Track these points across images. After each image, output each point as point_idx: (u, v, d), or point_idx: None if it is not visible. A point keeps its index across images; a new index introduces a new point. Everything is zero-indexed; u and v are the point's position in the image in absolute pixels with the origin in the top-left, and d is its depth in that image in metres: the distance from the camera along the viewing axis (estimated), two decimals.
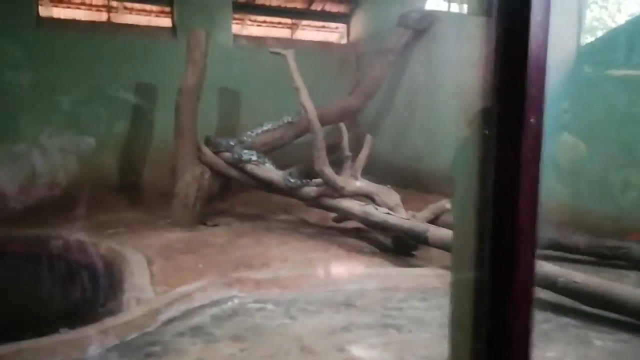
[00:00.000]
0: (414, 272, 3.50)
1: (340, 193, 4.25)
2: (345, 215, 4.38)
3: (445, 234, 3.49)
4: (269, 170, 4.82)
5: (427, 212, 4.09)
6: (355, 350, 2.50)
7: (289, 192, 4.61)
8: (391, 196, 4.26)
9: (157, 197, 5.57)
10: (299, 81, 4.43)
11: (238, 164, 4.91)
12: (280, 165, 5.04)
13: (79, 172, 5.46)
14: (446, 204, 4.25)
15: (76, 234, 4.49)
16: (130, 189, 5.85)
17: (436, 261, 3.77)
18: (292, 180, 4.55)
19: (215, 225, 4.86)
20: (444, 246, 3.50)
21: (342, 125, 4.61)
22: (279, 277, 3.43)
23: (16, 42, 5.26)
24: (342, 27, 7.73)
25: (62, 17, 5.86)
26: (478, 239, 1.05)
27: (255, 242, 4.35)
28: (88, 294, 3.56)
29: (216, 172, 5.05)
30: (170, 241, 4.37)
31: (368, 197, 4.33)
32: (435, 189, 5.47)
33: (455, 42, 5.45)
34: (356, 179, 4.37)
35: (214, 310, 3.04)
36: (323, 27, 7.71)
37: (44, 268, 4.15)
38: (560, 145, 4.54)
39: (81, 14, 6.00)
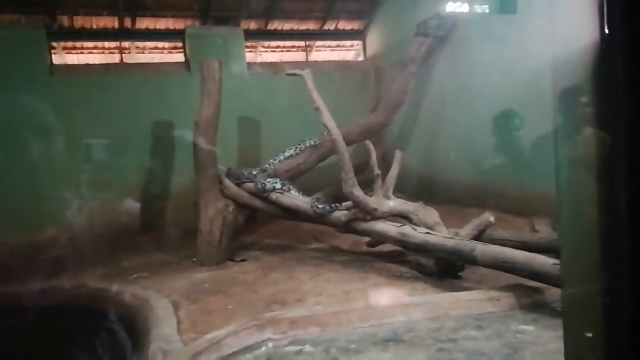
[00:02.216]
0: (464, 296, 3.14)
1: (372, 215, 3.94)
2: (380, 238, 4.05)
3: (496, 251, 3.13)
4: (294, 198, 4.56)
5: (471, 227, 3.73)
6: None
7: (318, 218, 4.32)
8: (429, 214, 3.92)
9: (181, 236, 5.36)
10: (319, 101, 4.19)
11: (262, 194, 4.67)
12: (306, 191, 4.78)
13: (99, 216, 5.34)
14: (490, 217, 3.89)
15: (99, 282, 4.30)
16: (153, 230, 5.66)
17: (487, 282, 3.40)
18: (320, 206, 4.27)
19: (243, 260, 4.60)
20: (495, 265, 3.14)
21: (369, 143, 4.33)
22: (316, 314, 3.11)
23: (31, 90, 5.22)
24: (357, 44, 7.53)
25: (75, 62, 5.82)
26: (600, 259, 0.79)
27: (287, 276, 4.06)
28: (113, 346, 3.32)
29: (240, 204, 4.82)
30: (196, 282, 4.12)
31: (403, 217, 4.01)
32: (472, 202, 5.11)
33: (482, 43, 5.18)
34: (389, 198, 4.06)
35: (247, 357, 2.73)
36: (338, 46, 7.53)
37: (68, 320, 3.96)
38: None
39: (94, 58, 5.96)
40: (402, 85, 6.20)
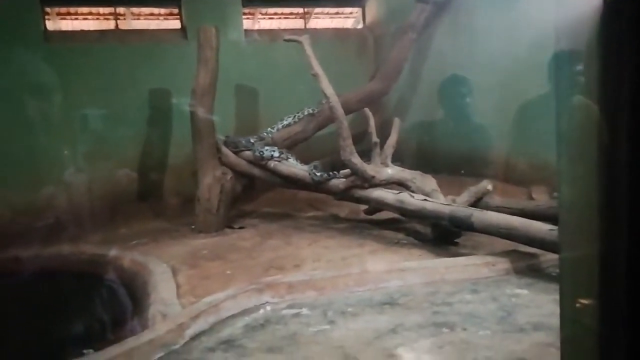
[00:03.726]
0: (461, 261, 3.17)
1: (370, 183, 3.95)
2: (378, 206, 4.07)
3: (493, 217, 3.15)
4: (292, 166, 4.55)
5: (468, 195, 3.74)
6: (407, 356, 2.20)
7: (316, 186, 4.33)
8: (427, 181, 3.93)
9: (180, 204, 5.38)
10: (317, 67, 4.14)
11: (260, 162, 4.66)
12: (304, 160, 4.77)
13: (98, 184, 5.33)
14: (487, 185, 3.90)
15: (98, 248, 4.33)
16: (151, 198, 5.66)
17: (483, 248, 3.44)
18: (317, 174, 4.27)
19: (241, 227, 4.63)
20: (492, 231, 3.17)
21: (368, 111, 4.31)
22: (313, 278, 3.15)
23: (25, 57, 5.13)
24: (356, 11, 7.38)
25: (70, 29, 5.70)
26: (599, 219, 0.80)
27: (285, 242, 4.09)
28: (113, 311, 3.36)
29: (238, 173, 4.81)
30: (195, 248, 4.16)
31: (401, 185, 4.01)
32: (470, 171, 5.10)
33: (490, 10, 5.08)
34: (387, 166, 4.06)
35: (245, 319, 2.78)
36: (337, 13, 7.37)
37: (67, 286, 4.00)
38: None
39: (89, 24, 5.84)
40: (402, 52, 6.12)
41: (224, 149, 4.84)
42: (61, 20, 5.76)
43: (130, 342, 2.45)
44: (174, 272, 3.57)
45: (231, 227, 4.61)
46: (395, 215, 4.12)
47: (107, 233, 4.83)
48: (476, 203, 3.74)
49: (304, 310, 2.83)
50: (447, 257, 3.40)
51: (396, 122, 4.30)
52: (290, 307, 2.89)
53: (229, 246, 4.12)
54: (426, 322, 2.54)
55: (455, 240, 3.60)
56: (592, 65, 0.85)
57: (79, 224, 4.84)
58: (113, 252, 4.07)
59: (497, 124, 5.10)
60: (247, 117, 6.09)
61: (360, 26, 7.36)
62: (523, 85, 4.69)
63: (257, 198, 5.48)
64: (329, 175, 4.26)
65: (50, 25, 5.59)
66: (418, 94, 6.33)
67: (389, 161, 4.13)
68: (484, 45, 5.01)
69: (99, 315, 3.34)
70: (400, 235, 3.96)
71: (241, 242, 4.21)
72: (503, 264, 3.04)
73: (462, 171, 5.11)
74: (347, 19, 7.51)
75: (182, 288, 3.31)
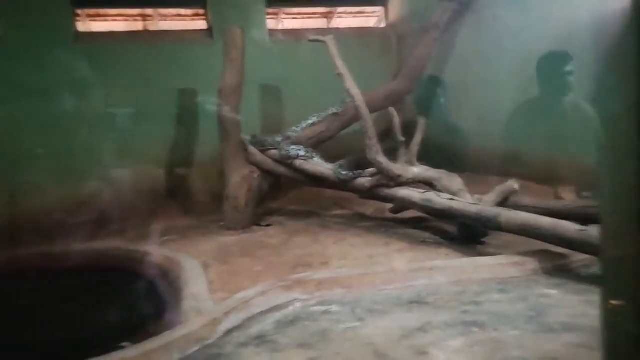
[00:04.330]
0: (488, 261, 3.19)
1: (396, 182, 3.98)
2: (404, 204, 4.10)
3: (521, 216, 3.16)
4: (318, 165, 4.61)
5: (495, 194, 3.75)
6: (439, 355, 2.23)
7: (342, 185, 4.38)
8: (453, 180, 3.95)
9: (208, 202, 5.49)
10: (342, 67, 4.19)
11: (286, 161, 4.73)
12: (329, 159, 4.82)
13: (128, 182, 5.47)
14: (514, 184, 3.90)
15: (130, 245, 4.45)
16: (180, 196, 5.79)
17: (511, 247, 3.44)
18: (343, 173, 4.32)
19: (268, 225, 4.71)
20: (519, 230, 3.17)
21: (393, 110, 4.33)
22: (341, 276, 3.20)
23: (56, 58, 5.30)
24: (379, 10, 7.40)
25: (100, 30, 5.86)
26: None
27: (311, 240, 4.15)
28: (148, 305, 3.47)
29: (265, 171, 4.89)
30: (224, 245, 4.25)
31: (427, 184, 4.04)
32: (495, 170, 5.09)
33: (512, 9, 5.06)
34: (412, 165, 4.08)
35: (276, 315, 2.85)
36: (360, 12, 7.41)
37: (102, 281, 4.13)
38: None
39: (118, 26, 5.99)
40: (425, 51, 6.12)
41: (251, 148, 4.92)
42: (91, 22, 5.92)
43: (166, 336, 2.54)
44: (205, 268, 3.66)
45: (258, 225, 4.70)
46: (421, 214, 4.15)
47: (138, 230, 4.97)
48: (503, 203, 3.75)
49: (333, 307, 2.88)
50: (474, 256, 3.42)
51: (421, 121, 4.32)
52: (319, 304, 2.95)
53: (257, 243, 4.20)
54: (455, 321, 2.57)
55: (482, 240, 3.61)
56: (629, 66, 0.86)
57: (111, 221, 4.99)
58: (145, 249, 4.18)
59: (523, 123, 5.08)
60: (271, 117, 6.17)
61: (383, 25, 7.37)
62: (549, 84, 4.66)
63: (282, 196, 5.55)
64: (354, 174, 4.30)
65: (81, 26, 5.74)
66: (441, 93, 6.32)
67: (414, 160, 4.15)
68: (510, 43, 4.99)
69: (134, 309, 3.46)
70: (426, 234, 3.98)
71: (268, 239, 4.29)
72: (531, 264, 3.05)
73: (488, 170, 5.10)
74: (369, 18, 7.54)
75: (214, 284, 3.38)
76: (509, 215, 3.27)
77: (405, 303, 2.84)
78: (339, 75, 4.15)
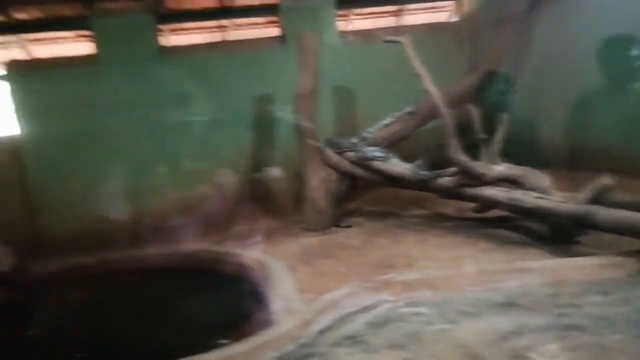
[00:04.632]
0: (585, 262, 3.05)
1: (479, 181, 3.90)
2: (488, 204, 4.02)
3: (617, 214, 3.00)
4: (396, 165, 4.61)
5: (587, 192, 3.57)
6: (537, 359, 2.19)
7: (421, 185, 4.36)
8: (539, 178, 3.81)
9: (286, 204, 5.65)
10: (419, 67, 4.16)
11: (363, 162, 4.78)
12: (402, 158, 4.81)
13: (212, 185, 5.75)
14: (607, 180, 3.69)
15: (219, 246, 4.68)
16: (259, 198, 5.99)
17: (608, 247, 3.27)
18: (422, 173, 4.29)
19: (348, 226, 4.78)
20: (617, 228, 3.02)
21: (472, 107, 4.25)
22: (428, 277, 3.20)
23: (143, 72, 5.68)
24: (451, 4, 7.25)
25: (180, 44, 6.18)
26: None
27: (393, 241, 4.17)
28: (239, 304, 3.64)
29: (342, 173, 4.96)
30: (307, 246, 4.36)
31: (512, 182, 3.92)
32: (583, 165, 4.84)
33: None
34: (495, 163, 3.98)
35: (366, 316, 2.89)
36: (431, 8, 7.29)
37: (192, 281, 4.37)
38: None
39: (197, 38, 6.30)
40: (501, 44, 5.94)
41: (327, 151, 5.01)
42: (173, 36, 6.25)
43: (264, 335, 2.67)
44: (291, 270, 3.78)
45: (338, 226, 4.78)
46: (505, 213, 4.04)
47: (223, 232, 5.22)
48: (596, 200, 3.56)
49: (422, 309, 2.88)
50: (567, 256, 3.29)
51: (503, 117, 4.19)
52: (408, 305, 2.96)
53: (338, 244, 4.27)
54: (552, 324, 2.49)
55: (575, 239, 3.46)
56: None
57: (198, 224, 5.27)
58: (233, 250, 4.39)
59: (609, 115, 4.80)
60: (345, 118, 6.23)
61: (455, 19, 7.22)
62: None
63: (359, 197, 5.60)
64: (434, 173, 4.26)
65: (163, 41, 6.08)
66: (520, 87, 6.09)
67: (496, 158, 4.05)
68: (591, 33, 4.73)
69: (226, 308, 3.65)
70: (514, 235, 3.87)
71: (350, 240, 4.35)
72: (633, 264, 2.89)
73: (574, 166, 4.87)
74: (441, 13, 7.40)
75: (301, 285, 3.48)
76: (604, 212, 3.12)
77: (496, 305, 2.79)
78: (417, 75, 4.13)
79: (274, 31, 6.45)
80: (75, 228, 5.36)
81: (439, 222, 4.52)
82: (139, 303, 4.04)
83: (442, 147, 4.23)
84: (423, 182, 4.30)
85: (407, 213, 4.98)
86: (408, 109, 5.32)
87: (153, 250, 4.85)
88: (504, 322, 2.60)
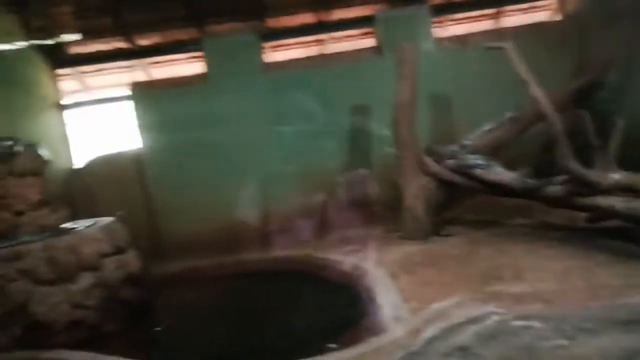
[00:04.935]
0: None
1: (593, 189, 3.71)
2: (603, 214, 3.80)
3: None
4: (499, 173, 4.50)
5: None
6: None
7: (528, 193, 4.22)
8: None
9: (382, 211, 5.71)
10: (525, 73, 4.05)
11: (464, 170, 4.72)
12: (504, 166, 4.68)
13: (310, 193, 5.97)
14: None
15: (321, 252, 4.86)
16: (356, 206, 6.10)
17: None
18: (530, 181, 4.16)
19: (448, 235, 4.74)
20: None
21: (583, 112, 4.05)
22: (539, 290, 3.11)
23: (249, 87, 6.06)
24: (552, 2, 6.93)
25: (282, 59, 6.50)
26: None
27: (497, 251, 4.07)
28: (345, 310, 3.76)
29: (441, 181, 4.94)
30: (407, 255, 4.39)
31: (630, 191, 3.68)
32: None
33: None
34: (611, 170, 3.76)
35: (475, 328, 2.88)
36: (531, 7, 7.01)
37: (298, 286, 4.56)
38: None
39: (297, 53, 6.59)
40: (612, 42, 5.56)
41: (426, 159, 5.01)
42: (274, 53, 6.59)
43: (375, 342, 2.76)
44: (393, 278, 3.84)
45: (438, 235, 4.76)
46: (625, 224, 3.79)
47: (320, 239, 5.41)
48: None
49: (535, 323, 2.81)
50: None
51: (619, 122, 3.94)
52: (518, 318, 2.90)
53: (440, 254, 4.26)
54: None
55: None
56: None
57: (298, 230, 5.51)
58: (334, 257, 4.54)
59: None
60: (442, 126, 6.18)
61: (559, 18, 6.88)
62: None
63: (458, 205, 5.52)
64: (543, 181, 4.11)
65: (266, 57, 6.43)
66: (635, 89, 5.67)
67: (613, 165, 3.82)
68: None
69: (332, 313, 3.78)
70: (633, 247, 3.63)
71: (451, 250, 4.31)
72: None
73: None
74: (543, 12, 7.09)
75: (405, 293, 3.53)
76: None
77: (619, 322, 2.65)
78: (523, 81, 4.02)
79: (369, 42, 6.57)
80: (191, 233, 5.83)
81: (547, 231, 4.34)
82: (250, 305, 4.31)
83: (548, 154, 4.08)
84: (530, 190, 4.16)
85: (511, 222, 4.84)
86: (510, 114, 5.17)
87: (261, 255, 5.15)
88: (631, 340, 2.47)
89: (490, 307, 3.05)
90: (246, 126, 6.03)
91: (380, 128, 5.69)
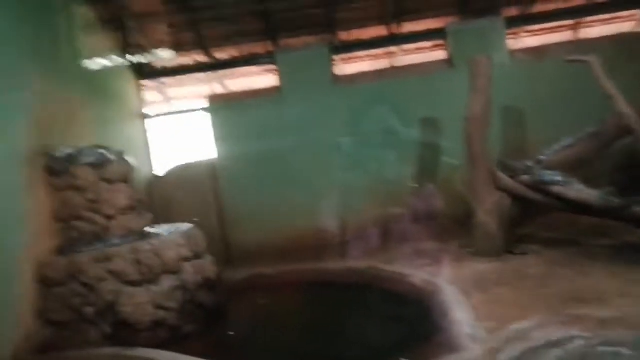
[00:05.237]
0: None
1: None
2: None
3: None
4: (580, 190, 4.33)
5: None
6: None
7: (613, 213, 4.03)
8: None
9: (451, 226, 5.62)
10: (610, 87, 3.90)
11: (541, 187, 4.57)
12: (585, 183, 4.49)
13: (377, 206, 5.99)
14: None
15: (390, 265, 4.85)
16: (425, 219, 6.05)
17: None
18: (615, 200, 3.97)
19: (523, 253, 4.60)
20: None
21: None
22: (626, 315, 2.96)
23: (320, 99, 6.19)
24: (638, 13, 6.60)
25: (352, 72, 6.61)
26: None
27: (578, 272, 3.91)
28: (416, 325, 3.74)
29: (516, 197, 4.81)
30: (479, 272, 4.30)
31: None
32: None
33: None
34: None
35: (557, 351, 2.78)
36: (613, 18, 6.72)
37: (366, 298, 4.58)
38: None
39: (367, 66, 6.67)
40: None
41: (500, 174, 4.90)
42: (345, 65, 6.71)
43: (452, 358, 2.73)
44: (466, 295, 3.77)
45: (512, 253, 4.63)
46: None
47: (389, 252, 5.39)
48: None
49: (624, 350, 2.69)
50: None
51: None
52: (604, 344, 2.77)
53: (514, 272, 4.14)
54: None
55: None
56: None
57: (368, 242, 5.54)
58: (404, 270, 4.52)
59: None
60: (515, 140, 6.04)
61: None
62: None
63: (532, 223, 5.34)
64: (628, 201, 3.91)
65: (338, 70, 6.55)
66: None
67: None
68: None
69: (401, 327, 3.77)
70: None
71: (526, 269, 4.19)
72: None
73: None
74: (625, 23, 6.78)
75: (479, 311, 3.46)
76: None
77: None
78: (609, 96, 3.87)
79: (440, 54, 6.54)
80: (259, 242, 6.01)
81: (631, 253, 4.12)
82: (320, 314, 4.37)
83: (632, 171, 3.89)
84: (615, 210, 3.97)
85: (591, 242, 4.62)
86: (590, 130, 4.96)
87: (330, 265, 5.21)
88: None
89: (574, 331, 2.94)
90: (317, 138, 6.15)
91: (448, 141, 5.65)
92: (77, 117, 4.78)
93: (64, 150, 4.16)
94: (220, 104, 6.43)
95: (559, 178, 4.49)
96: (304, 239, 5.76)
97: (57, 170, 4.10)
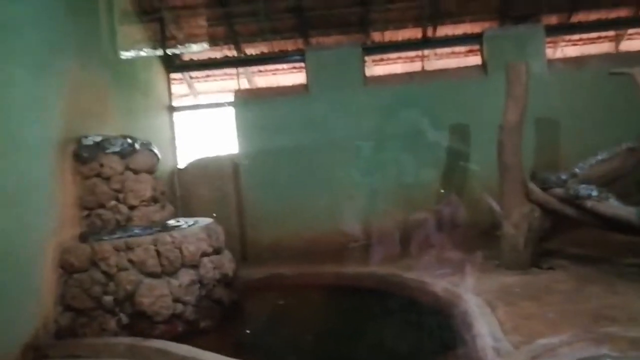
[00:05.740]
0: None
1: None
2: None
3: None
4: (615, 207, 4.15)
5: None
6: None
7: None
8: None
9: (477, 237, 5.48)
10: None
11: (574, 201, 4.40)
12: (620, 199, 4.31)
13: (400, 213, 5.89)
14: None
15: (411, 272, 4.75)
16: (449, 228, 5.92)
17: None
18: None
19: (550, 268, 4.44)
20: None
21: None
22: None
23: (350, 99, 6.11)
24: None
25: (383, 73, 6.52)
26: None
27: (609, 290, 3.75)
28: (438, 334, 3.63)
29: (547, 210, 4.65)
30: (505, 285, 4.17)
31: None
32: None
33: None
34: None
35: None
36: None
37: (384, 303, 4.49)
38: None
39: (398, 68, 6.57)
40: None
41: (531, 185, 4.75)
42: (375, 66, 6.63)
43: None
44: (491, 307, 3.65)
45: (539, 267, 4.48)
46: None
47: (410, 260, 5.28)
48: None
49: None
50: None
51: None
52: None
53: (541, 287, 4.00)
54: None
55: None
56: None
57: (389, 247, 5.44)
58: (428, 279, 4.41)
59: None
60: (548, 152, 5.87)
61: None
62: None
63: (560, 237, 5.17)
64: None
65: (368, 71, 6.47)
66: None
67: None
68: None
69: (424, 336, 3.67)
70: None
71: (555, 284, 4.04)
72: None
73: None
74: None
75: (505, 325, 3.34)
76: None
77: None
78: None
79: (474, 60, 6.40)
80: (276, 241, 5.96)
81: None
82: (334, 318, 4.29)
83: None
84: None
85: (622, 260, 4.44)
86: (628, 144, 4.77)
87: (349, 269, 5.13)
88: None
89: (603, 349, 2.81)
90: (343, 138, 6.07)
91: (477, 149, 5.51)
92: (107, 105, 4.81)
93: (92, 138, 4.18)
94: (245, 100, 6.40)
95: (594, 192, 4.31)
96: (323, 241, 5.69)
97: (85, 157, 4.11)
